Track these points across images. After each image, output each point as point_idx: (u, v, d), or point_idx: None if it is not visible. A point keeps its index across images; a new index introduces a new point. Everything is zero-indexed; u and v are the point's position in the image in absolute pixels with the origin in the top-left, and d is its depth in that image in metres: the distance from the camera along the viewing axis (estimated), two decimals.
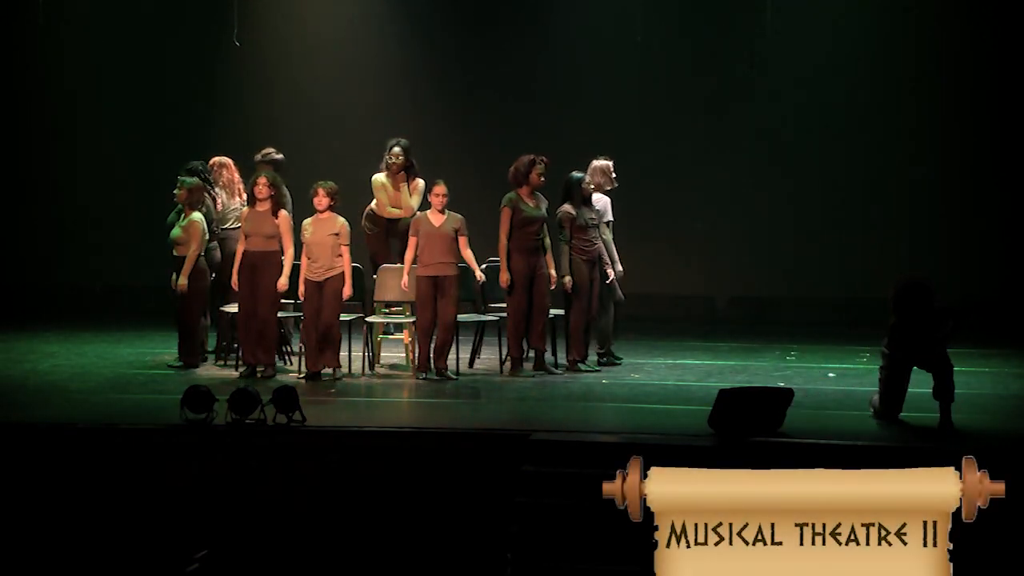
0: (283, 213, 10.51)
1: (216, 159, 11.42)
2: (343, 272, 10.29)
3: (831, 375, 10.97)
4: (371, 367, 10.72)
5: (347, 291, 10.32)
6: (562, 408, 9.56)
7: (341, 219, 10.44)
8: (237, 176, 11.41)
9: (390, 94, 14.84)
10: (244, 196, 11.09)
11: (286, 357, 11.10)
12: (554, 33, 14.86)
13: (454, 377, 10.48)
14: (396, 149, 11.46)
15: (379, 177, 11.59)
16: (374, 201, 11.71)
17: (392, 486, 8.28)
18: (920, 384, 9.68)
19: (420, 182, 11.63)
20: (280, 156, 11.56)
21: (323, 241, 10.31)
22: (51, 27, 14.33)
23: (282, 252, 10.42)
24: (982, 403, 9.69)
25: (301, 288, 10.31)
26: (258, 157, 11.50)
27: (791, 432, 8.36)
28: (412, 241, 10.57)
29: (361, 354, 10.75)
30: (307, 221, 10.44)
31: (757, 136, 14.78)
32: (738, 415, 8.31)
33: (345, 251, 10.33)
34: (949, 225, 14.66)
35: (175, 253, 10.70)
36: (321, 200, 10.35)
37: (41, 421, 8.65)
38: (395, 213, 11.59)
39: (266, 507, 8.26)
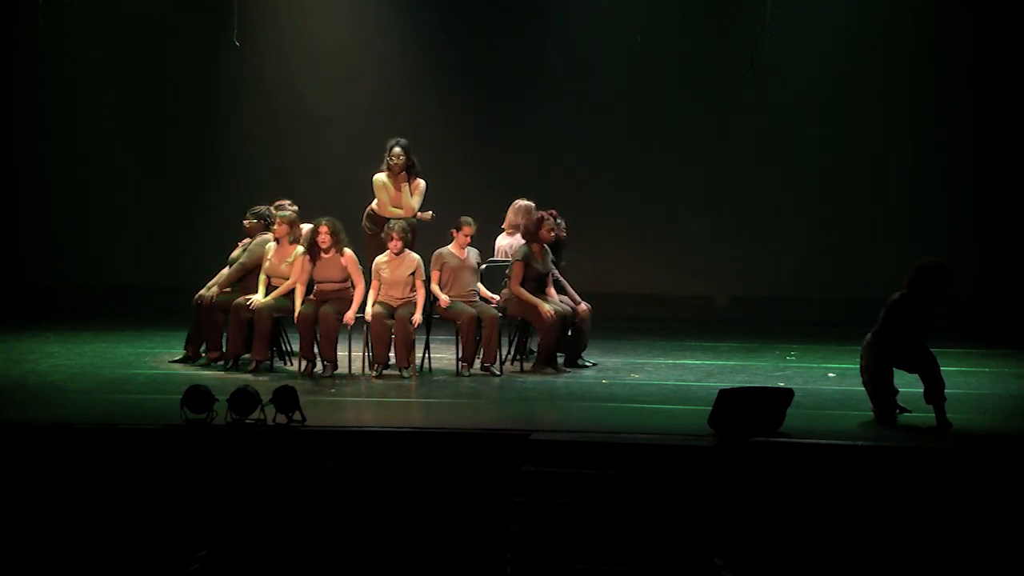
0: (348, 253, 10.73)
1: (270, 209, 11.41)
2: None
3: (831, 375, 10.97)
4: (371, 367, 10.72)
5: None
6: (562, 408, 9.57)
7: (415, 255, 10.82)
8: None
9: (390, 94, 14.85)
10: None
11: (286, 357, 11.13)
12: (554, 33, 14.86)
13: (498, 374, 10.66)
14: (396, 149, 11.49)
15: (380, 177, 11.61)
16: (374, 201, 11.73)
17: (392, 486, 8.28)
18: (919, 384, 9.70)
19: (421, 182, 11.66)
20: (294, 208, 11.59)
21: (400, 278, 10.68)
22: (51, 27, 14.33)
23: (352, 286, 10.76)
24: (982, 403, 9.71)
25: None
26: (271, 209, 11.53)
27: (791, 432, 8.36)
28: (436, 275, 10.84)
29: (361, 354, 10.76)
30: (382, 259, 10.71)
31: (757, 136, 14.80)
32: (738, 415, 8.32)
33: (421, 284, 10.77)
34: (949, 225, 14.67)
35: (272, 283, 10.83)
36: (396, 244, 10.67)
37: (41, 421, 8.65)
38: (396, 213, 11.61)
39: (266, 507, 8.26)
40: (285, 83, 15.04)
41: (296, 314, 10.55)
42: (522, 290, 10.85)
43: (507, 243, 11.61)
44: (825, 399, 9.75)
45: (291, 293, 10.71)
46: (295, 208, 11.25)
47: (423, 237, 11.74)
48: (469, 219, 11.01)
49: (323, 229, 10.61)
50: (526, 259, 10.91)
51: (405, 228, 10.81)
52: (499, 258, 11.63)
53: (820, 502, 7.97)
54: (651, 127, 14.86)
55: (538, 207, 11.50)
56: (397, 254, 10.68)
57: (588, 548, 7.67)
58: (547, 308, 10.75)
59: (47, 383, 10.09)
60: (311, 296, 10.74)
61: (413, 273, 10.70)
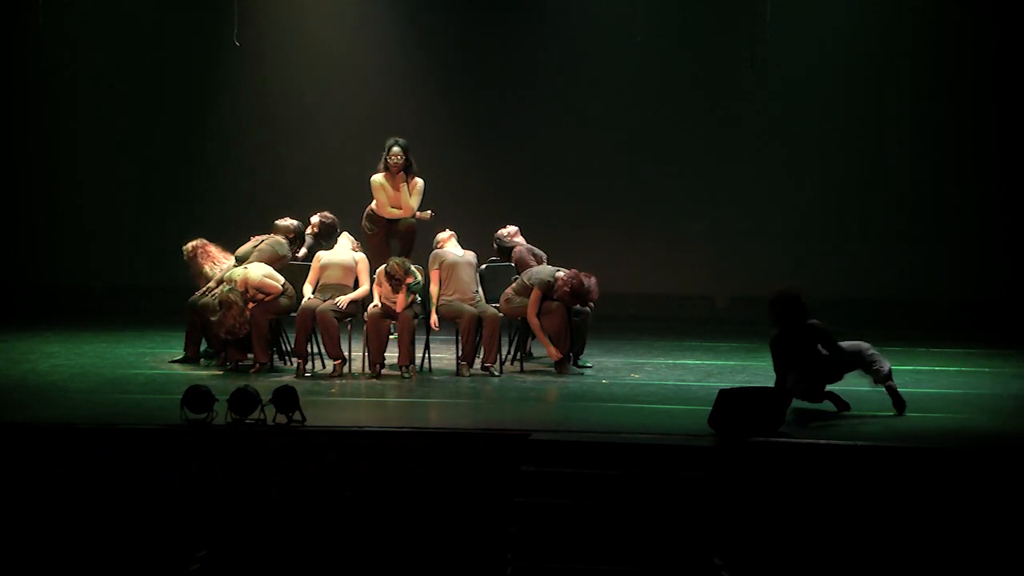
0: (362, 257, 10.90)
1: (199, 243, 11.38)
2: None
3: None
4: (370, 367, 10.72)
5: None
6: (562, 408, 9.57)
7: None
8: (212, 250, 11.35)
9: (390, 94, 14.85)
10: (223, 263, 11.23)
11: (286, 357, 11.14)
12: (554, 33, 14.86)
13: (498, 374, 10.66)
14: (395, 149, 11.49)
15: (378, 177, 11.61)
16: (374, 201, 11.73)
17: (392, 486, 8.28)
18: (919, 385, 9.69)
19: (419, 181, 11.66)
20: (332, 218, 11.57)
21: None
22: (51, 27, 14.33)
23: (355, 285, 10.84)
24: (982, 403, 9.70)
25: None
26: (315, 219, 11.55)
27: (791, 432, 8.36)
28: (435, 275, 10.87)
29: (361, 354, 10.76)
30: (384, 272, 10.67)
31: (757, 136, 14.79)
32: (738, 415, 8.32)
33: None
34: (949, 225, 14.67)
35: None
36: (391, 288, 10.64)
37: (41, 421, 8.65)
38: (395, 213, 11.63)
39: (266, 507, 8.26)
40: (285, 83, 15.03)
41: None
42: (537, 323, 10.81)
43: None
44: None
45: (279, 297, 10.76)
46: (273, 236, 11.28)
47: (422, 238, 11.75)
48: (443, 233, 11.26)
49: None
50: (545, 290, 10.84)
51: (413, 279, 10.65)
52: (498, 259, 11.64)
53: (820, 502, 7.97)
54: (651, 127, 14.86)
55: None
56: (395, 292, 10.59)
57: (588, 548, 7.67)
58: (555, 352, 10.75)
59: (47, 383, 10.08)
60: (315, 292, 10.79)
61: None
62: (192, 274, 11.32)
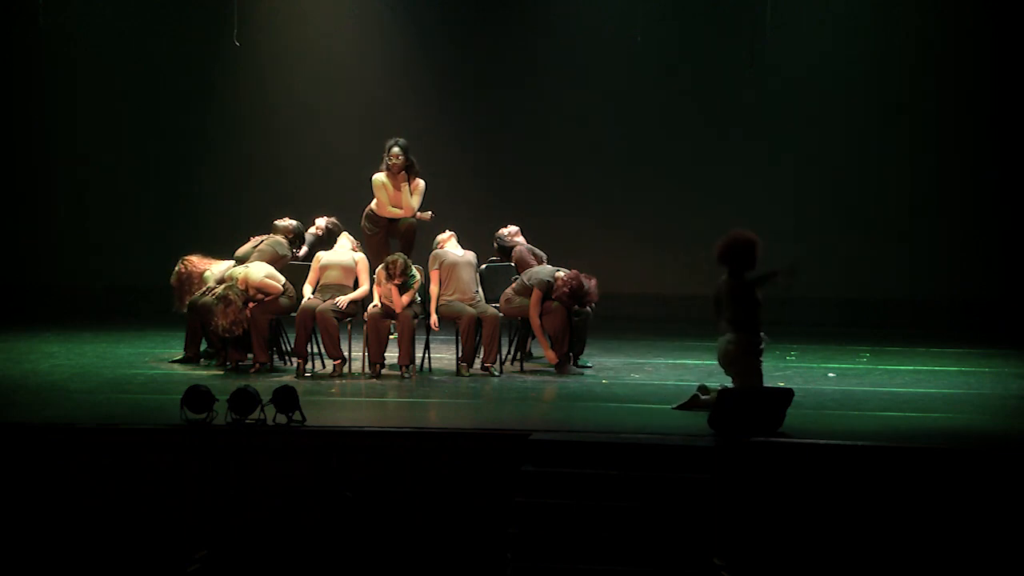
0: (362, 257, 10.92)
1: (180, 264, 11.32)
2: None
3: (831, 375, 10.97)
4: (371, 367, 10.72)
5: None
6: (562, 408, 9.57)
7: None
8: (195, 259, 11.28)
9: (390, 94, 14.85)
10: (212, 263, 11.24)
11: (286, 357, 11.14)
12: (554, 33, 14.86)
13: (498, 374, 10.68)
14: (395, 149, 11.49)
15: (379, 177, 11.61)
16: (373, 201, 11.73)
17: (392, 486, 8.28)
18: (919, 385, 9.67)
19: (420, 182, 11.67)
20: (337, 225, 11.56)
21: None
22: (51, 27, 14.33)
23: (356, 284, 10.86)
24: (982, 403, 9.70)
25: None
26: (321, 222, 11.57)
27: (791, 432, 8.36)
28: (435, 275, 10.88)
29: (361, 354, 10.76)
30: (383, 273, 10.59)
31: (757, 136, 14.79)
32: (738, 415, 8.32)
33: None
34: (949, 225, 14.67)
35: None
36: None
37: (41, 421, 8.65)
38: (396, 213, 11.63)
39: (266, 507, 8.26)
40: (285, 83, 15.03)
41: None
42: (538, 324, 10.85)
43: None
44: (825, 399, 9.75)
45: (279, 297, 10.75)
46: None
47: (423, 238, 11.75)
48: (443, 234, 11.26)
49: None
50: (545, 290, 10.86)
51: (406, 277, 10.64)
52: (498, 259, 11.64)
53: (820, 502, 7.97)
54: (651, 127, 14.86)
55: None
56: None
57: (588, 548, 7.68)
58: (552, 355, 10.80)
59: (47, 383, 10.08)
60: (315, 292, 10.79)
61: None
62: (192, 290, 11.17)
